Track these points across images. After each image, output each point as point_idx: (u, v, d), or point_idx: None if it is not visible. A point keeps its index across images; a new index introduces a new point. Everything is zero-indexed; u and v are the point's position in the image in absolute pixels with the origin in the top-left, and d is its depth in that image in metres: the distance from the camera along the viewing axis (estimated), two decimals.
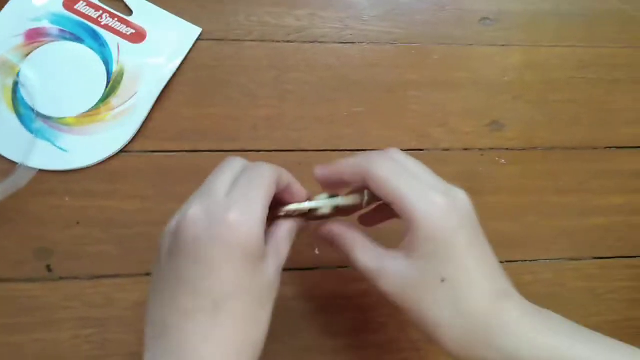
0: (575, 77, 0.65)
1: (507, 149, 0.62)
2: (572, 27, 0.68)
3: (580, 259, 0.59)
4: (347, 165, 0.42)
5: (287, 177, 0.42)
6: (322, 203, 0.44)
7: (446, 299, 0.37)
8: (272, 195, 0.39)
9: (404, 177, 0.39)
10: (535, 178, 0.61)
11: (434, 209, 0.37)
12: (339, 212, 0.44)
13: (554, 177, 0.61)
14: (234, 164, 0.41)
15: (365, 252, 0.41)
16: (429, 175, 0.41)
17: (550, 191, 0.61)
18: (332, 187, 0.44)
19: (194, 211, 0.37)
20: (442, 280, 0.37)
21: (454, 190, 0.40)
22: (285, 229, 0.42)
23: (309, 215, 0.44)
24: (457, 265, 0.37)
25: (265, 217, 0.37)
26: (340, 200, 0.44)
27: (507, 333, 0.36)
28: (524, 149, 0.62)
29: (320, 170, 0.43)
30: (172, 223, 0.39)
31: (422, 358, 0.55)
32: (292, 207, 0.43)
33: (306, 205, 0.43)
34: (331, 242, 0.43)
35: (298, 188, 0.43)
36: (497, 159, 0.61)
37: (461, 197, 0.40)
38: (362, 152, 0.58)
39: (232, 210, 0.36)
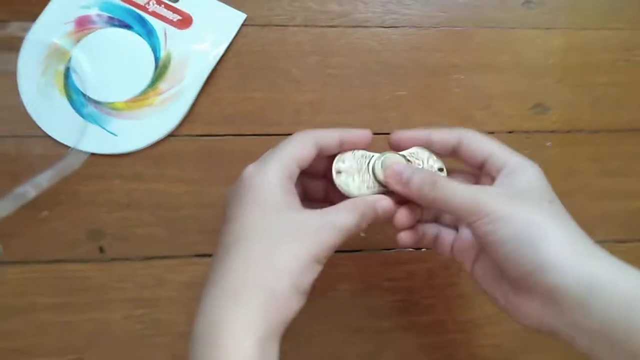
0: (620, 60, 0.65)
1: (552, 131, 0.61)
2: (616, 9, 0.67)
3: (627, 241, 0.58)
4: (438, 129, 0.45)
5: (335, 134, 0.44)
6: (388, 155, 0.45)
7: (556, 215, 0.39)
8: (300, 158, 0.41)
9: (493, 140, 0.44)
10: (580, 160, 0.61)
11: (532, 163, 0.42)
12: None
13: (600, 160, 0.61)
14: (298, 137, 0.44)
15: (456, 181, 0.41)
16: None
17: (595, 173, 0.61)
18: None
19: (229, 188, 0.43)
20: (550, 202, 0.40)
21: None
22: (354, 201, 0.43)
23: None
24: (556, 197, 0.41)
25: (282, 175, 0.40)
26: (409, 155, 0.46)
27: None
28: (569, 132, 0.62)
29: (404, 133, 0.46)
30: None
31: (468, 340, 0.55)
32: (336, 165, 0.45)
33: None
34: (408, 175, 0.42)
35: (352, 136, 0.45)
36: (542, 141, 0.61)
37: None
38: None
39: (246, 170, 0.41)
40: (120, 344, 0.52)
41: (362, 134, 0.45)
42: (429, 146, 0.46)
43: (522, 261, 0.37)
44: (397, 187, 0.43)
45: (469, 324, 0.56)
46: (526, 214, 0.38)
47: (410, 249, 0.55)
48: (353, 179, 0.44)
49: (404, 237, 0.46)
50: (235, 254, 0.38)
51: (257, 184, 0.39)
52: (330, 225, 0.39)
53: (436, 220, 0.48)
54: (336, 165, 0.44)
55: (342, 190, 0.44)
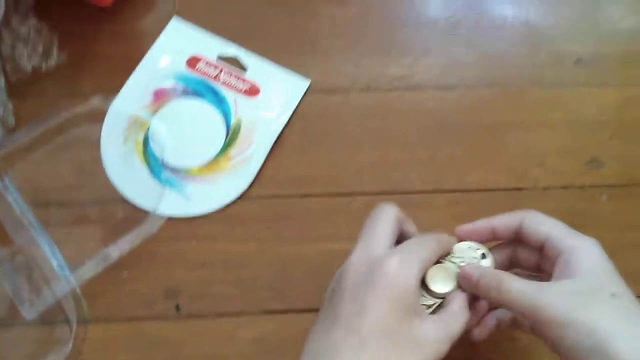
0: None
1: (607, 185, 0.63)
2: None
3: None
4: (500, 216, 0.47)
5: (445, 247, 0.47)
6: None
7: (619, 311, 0.38)
8: (431, 263, 0.44)
9: (555, 220, 0.45)
10: (637, 214, 0.62)
11: (591, 242, 0.42)
12: None
13: None
14: (389, 211, 0.46)
15: (522, 279, 0.42)
16: None
17: None
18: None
19: (357, 258, 0.43)
20: (612, 295, 0.39)
21: None
22: (458, 301, 0.44)
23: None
24: (621, 285, 0.40)
25: (420, 277, 0.42)
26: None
27: None
28: (625, 186, 0.63)
29: (467, 228, 0.48)
30: (339, 270, 0.44)
31: None
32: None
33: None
34: (477, 277, 0.44)
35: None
36: (597, 196, 0.62)
37: None
38: (462, 192, 0.60)
39: (391, 262, 0.40)
40: None
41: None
42: (493, 234, 0.47)
43: (581, 345, 0.38)
44: (468, 289, 0.45)
45: None
46: (591, 316, 0.38)
47: None
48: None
49: (476, 334, 0.48)
50: (371, 351, 0.38)
51: (400, 282, 0.40)
52: (448, 337, 0.41)
53: None
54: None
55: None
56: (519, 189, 0.62)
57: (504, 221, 0.46)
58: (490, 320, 0.48)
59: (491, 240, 0.49)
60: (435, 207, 0.62)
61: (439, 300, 0.46)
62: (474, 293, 0.45)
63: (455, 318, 0.42)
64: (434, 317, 0.42)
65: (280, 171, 0.62)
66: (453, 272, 0.47)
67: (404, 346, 0.39)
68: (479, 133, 0.65)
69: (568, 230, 0.43)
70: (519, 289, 0.41)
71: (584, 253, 0.41)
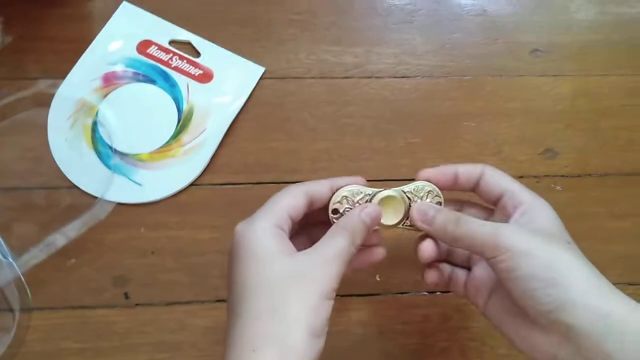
0: (627, 105, 0.67)
1: (562, 175, 0.63)
2: (622, 56, 0.69)
3: (638, 284, 0.59)
4: (463, 165, 0.47)
5: (325, 183, 0.46)
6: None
7: (575, 253, 0.40)
8: (284, 206, 0.42)
9: (512, 178, 0.46)
10: (590, 204, 0.63)
11: (544, 201, 0.44)
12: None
13: (609, 203, 0.62)
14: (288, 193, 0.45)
15: (476, 220, 0.42)
16: None
17: (605, 217, 0.62)
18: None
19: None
20: (568, 243, 0.41)
21: None
22: (337, 223, 0.44)
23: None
24: (572, 240, 0.42)
25: (273, 223, 0.41)
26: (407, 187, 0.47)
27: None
28: (578, 176, 0.63)
29: (431, 170, 0.47)
30: None
31: None
32: (334, 197, 0.46)
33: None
34: (433, 214, 0.44)
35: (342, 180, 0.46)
36: (552, 185, 0.63)
37: None
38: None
39: (236, 228, 0.41)
40: None
41: (352, 181, 0.46)
42: (455, 180, 0.47)
43: (544, 299, 0.38)
44: (422, 225, 0.45)
45: None
46: (549, 252, 0.39)
47: (425, 293, 0.57)
48: None
49: (431, 275, 0.48)
50: (243, 315, 0.38)
51: (248, 239, 0.40)
52: (325, 257, 0.40)
53: (448, 260, 0.49)
54: (332, 205, 0.45)
55: None
56: None
57: (467, 169, 0.46)
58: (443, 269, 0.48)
59: (451, 188, 0.48)
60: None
61: None
62: (427, 231, 0.45)
63: (329, 240, 0.41)
64: (310, 248, 0.41)
65: (233, 158, 0.61)
66: (404, 206, 0.46)
67: (275, 291, 0.38)
68: (435, 122, 0.64)
69: (527, 189, 0.45)
70: (478, 224, 0.41)
71: (542, 207, 0.43)
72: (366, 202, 0.46)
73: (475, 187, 0.47)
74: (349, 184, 0.46)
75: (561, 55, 0.69)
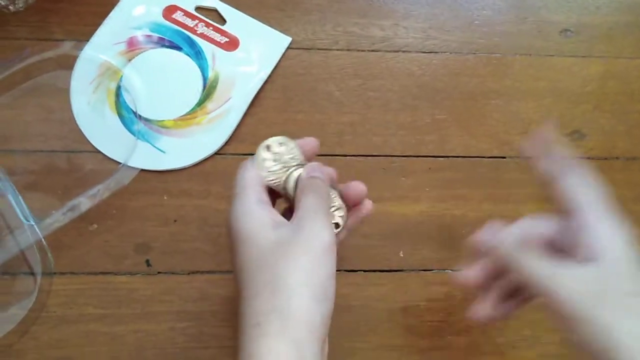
0: None
1: (588, 158, 0.62)
2: None
3: None
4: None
5: None
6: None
7: (635, 312, 0.36)
8: (252, 181, 0.42)
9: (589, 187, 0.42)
10: (616, 187, 0.61)
11: (618, 224, 0.40)
12: None
13: (635, 187, 0.62)
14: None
15: (539, 257, 0.40)
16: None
17: (631, 200, 0.61)
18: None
19: None
20: (630, 294, 0.37)
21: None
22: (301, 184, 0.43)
23: None
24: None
25: (252, 197, 0.40)
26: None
27: None
28: (605, 159, 0.62)
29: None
30: None
31: None
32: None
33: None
34: (486, 248, 0.42)
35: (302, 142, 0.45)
36: None
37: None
38: (444, 158, 0.59)
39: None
40: (165, 355, 0.53)
41: (308, 142, 0.45)
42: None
43: (588, 339, 0.37)
44: (487, 253, 0.43)
45: (506, 346, 0.56)
46: (603, 320, 0.36)
47: (448, 270, 0.56)
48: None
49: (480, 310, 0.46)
50: (245, 295, 0.37)
51: (233, 224, 0.40)
52: (306, 220, 0.39)
53: None
54: (261, 152, 0.44)
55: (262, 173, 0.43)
56: (502, 157, 0.62)
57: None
58: (505, 308, 0.45)
59: None
60: (416, 172, 0.60)
61: None
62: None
63: (306, 198, 0.40)
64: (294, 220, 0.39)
65: (258, 128, 0.60)
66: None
67: (273, 258, 0.37)
68: (463, 99, 0.64)
69: (602, 212, 0.41)
70: (534, 270, 0.39)
71: (609, 235, 0.39)
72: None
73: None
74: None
75: (590, 36, 0.68)
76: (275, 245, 0.38)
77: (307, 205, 0.40)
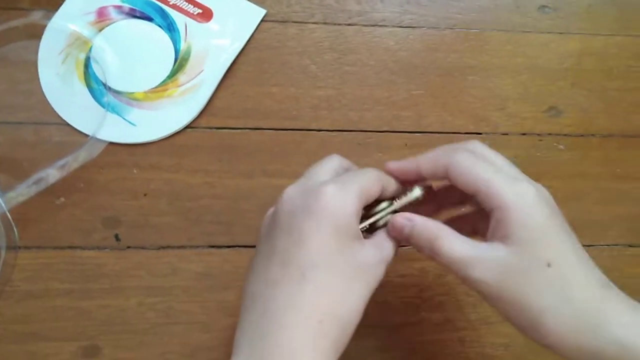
0: (633, 66, 0.66)
1: (565, 134, 0.62)
2: (630, 17, 0.68)
3: (638, 246, 0.59)
4: (427, 158, 0.41)
5: (393, 185, 0.43)
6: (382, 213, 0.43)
7: (553, 284, 0.36)
8: (370, 193, 0.40)
9: (488, 168, 0.38)
10: (592, 164, 0.62)
11: (526, 197, 0.37)
12: None
13: (612, 164, 0.61)
14: (334, 160, 0.42)
15: (453, 240, 0.38)
16: (510, 167, 0.41)
17: (607, 177, 0.61)
18: (405, 181, 0.44)
19: (291, 190, 0.39)
20: (548, 265, 0.36)
21: (536, 182, 0.39)
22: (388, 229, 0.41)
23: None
24: (559, 250, 0.37)
25: (359, 205, 0.39)
26: (398, 204, 0.43)
27: (621, 323, 0.35)
28: (581, 135, 0.62)
29: (395, 164, 0.43)
30: (273, 206, 0.41)
31: (479, 337, 0.55)
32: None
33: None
34: (408, 232, 0.40)
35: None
36: (555, 144, 0.61)
37: (544, 188, 0.39)
38: (421, 134, 0.58)
39: (327, 188, 0.37)
40: (133, 331, 0.52)
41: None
42: (419, 176, 0.42)
43: (517, 321, 0.37)
44: (400, 240, 0.42)
45: (480, 322, 0.56)
46: (522, 297, 0.36)
47: None
48: None
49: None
50: (314, 282, 0.36)
51: (338, 208, 0.37)
52: (385, 260, 0.39)
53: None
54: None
55: None
56: (478, 134, 0.61)
57: (429, 169, 0.41)
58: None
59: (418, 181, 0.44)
60: (392, 148, 0.60)
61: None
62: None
63: (388, 240, 0.40)
64: (371, 240, 0.40)
65: (231, 102, 0.59)
66: None
67: (347, 273, 0.37)
68: (440, 75, 0.63)
69: (502, 179, 0.38)
70: (450, 255, 0.38)
71: (518, 211, 0.37)
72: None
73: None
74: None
75: (569, 13, 0.67)
76: (358, 262, 0.38)
77: (391, 252, 0.40)
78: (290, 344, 0.35)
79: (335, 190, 0.37)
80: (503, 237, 0.37)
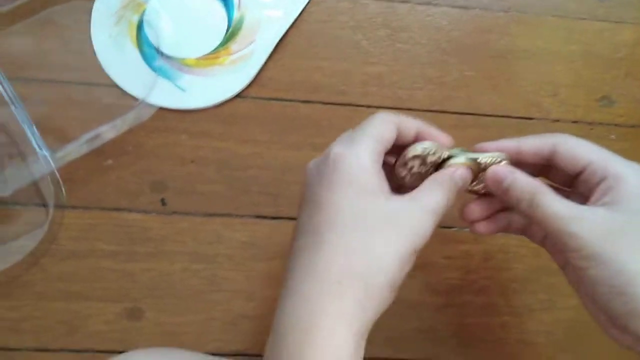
0: None
1: (616, 124, 0.61)
2: None
3: None
4: (528, 137, 0.41)
5: (414, 124, 0.41)
6: (456, 152, 0.41)
7: None
8: (385, 138, 0.38)
9: (594, 145, 0.39)
10: None
11: (633, 170, 0.37)
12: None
13: None
14: (381, 118, 0.40)
15: (555, 196, 0.37)
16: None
17: None
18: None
19: (311, 163, 0.39)
20: None
21: None
22: (434, 177, 0.39)
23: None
24: None
25: (374, 156, 0.37)
26: (482, 157, 0.41)
27: None
28: (634, 126, 0.61)
29: (488, 145, 0.42)
30: None
31: (522, 323, 0.55)
32: (414, 149, 0.40)
33: (426, 146, 0.40)
34: (509, 183, 0.39)
35: (432, 132, 0.42)
36: (606, 134, 0.60)
37: None
38: (471, 115, 0.58)
39: (334, 151, 0.37)
40: (177, 296, 0.52)
41: (442, 138, 0.41)
42: (519, 157, 0.41)
43: (612, 305, 0.35)
44: (495, 190, 0.40)
45: (522, 308, 0.55)
46: (620, 259, 0.35)
47: (468, 229, 0.55)
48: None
49: (480, 227, 0.44)
50: (333, 242, 0.35)
51: (349, 165, 0.36)
52: (425, 210, 0.36)
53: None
54: (405, 157, 0.40)
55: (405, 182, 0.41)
56: (529, 118, 0.60)
57: (534, 145, 0.41)
58: (501, 221, 0.44)
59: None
60: (441, 128, 0.58)
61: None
62: (499, 196, 0.41)
63: (429, 193, 0.38)
64: (406, 195, 0.37)
65: (282, 73, 0.58)
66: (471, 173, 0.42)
67: (369, 228, 0.35)
68: (492, 57, 0.62)
69: (611, 155, 0.38)
70: (552, 209, 0.37)
71: (630, 181, 0.36)
72: (438, 164, 0.41)
73: (549, 164, 0.41)
74: (436, 138, 0.41)
75: (625, 2, 0.66)
76: (386, 216, 0.36)
77: (433, 198, 0.38)
78: (311, 306, 0.34)
79: (341, 149, 0.37)
80: (610, 204, 0.36)
